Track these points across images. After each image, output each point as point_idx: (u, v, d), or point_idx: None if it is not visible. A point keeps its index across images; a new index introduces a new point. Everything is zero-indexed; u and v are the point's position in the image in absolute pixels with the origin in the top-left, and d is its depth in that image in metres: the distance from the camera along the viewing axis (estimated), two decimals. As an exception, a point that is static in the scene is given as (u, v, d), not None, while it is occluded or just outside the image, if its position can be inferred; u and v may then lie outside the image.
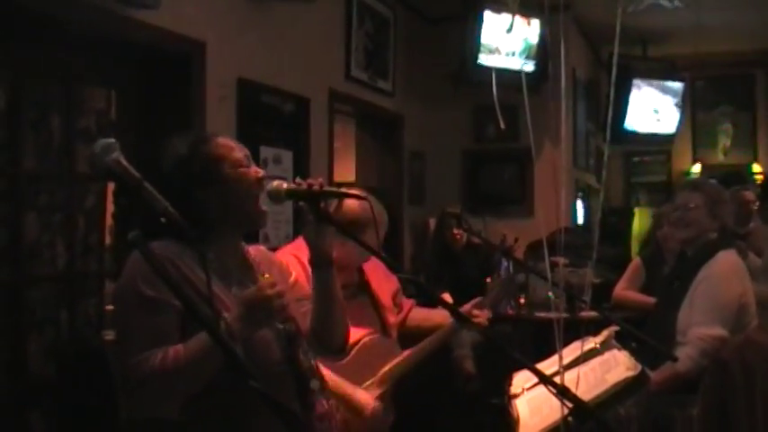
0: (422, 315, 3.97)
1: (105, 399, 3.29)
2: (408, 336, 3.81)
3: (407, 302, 4.00)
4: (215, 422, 2.05)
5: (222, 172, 2.20)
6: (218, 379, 1.91)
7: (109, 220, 4.15)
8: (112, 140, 1.67)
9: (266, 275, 2.28)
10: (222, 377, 1.84)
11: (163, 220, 1.63)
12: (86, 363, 3.59)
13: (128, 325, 2.05)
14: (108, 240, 4.16)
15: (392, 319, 3.73)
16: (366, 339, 3.49)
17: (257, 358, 2.03)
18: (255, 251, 2.40)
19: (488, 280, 4.98)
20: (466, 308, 3.77)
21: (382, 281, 3.72)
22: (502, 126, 2.72)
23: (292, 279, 2.47)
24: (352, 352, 3.40)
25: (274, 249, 4.67)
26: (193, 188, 2.14)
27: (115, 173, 1.63)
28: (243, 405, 1.98)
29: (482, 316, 3.74)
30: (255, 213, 2.25)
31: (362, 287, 3.65)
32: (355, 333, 3.42)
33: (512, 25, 6.69)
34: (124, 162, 1.64)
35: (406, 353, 3.62)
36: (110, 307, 4.09)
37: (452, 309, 4.34)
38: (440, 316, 3.90)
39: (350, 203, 3.28)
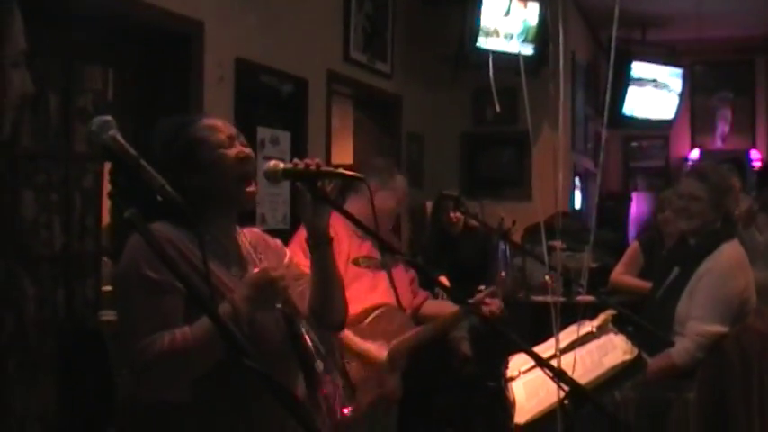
0: (435, 307, 4.04)
1: (102, 378, 3.31)
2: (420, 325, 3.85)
3: (422, 293, 4.04)
4: (221, 404, 2.04)
5: (202, 155, 2.18)
6: (224, 360, 1.91)
7: (106, 201, 4.15)
8: (109, 118, 1.65)
9: (260, 257, 2.27)
10: (228, 359, 1.83)
11: (159, 198, 1.62)
12: (84, 342, 3.60)
13: (132, 308, 2.03)
14: (105, 220, 4.15)
15: (406, 300, 3.77)
16: (384, 308, 3.57)
17: (259, 339, 2.02)
18: (250, 233, 2.39)
19: (503, 274, 4.96)
20: (479, 296, 3.82)
21: (400, 265, 3.79)
22: (497, 109, 2.72)
23: (287, 260, 2.46)
24: (370, 317, 3.49)
25: (272, 230, 4.70)
26: (178, 173, 2.10)
27: (112, 150, 1.61)
28: (249, 386, 1.97)
29: (494, 305, 3.78)
30: (238, 194, 2.22)
31: (384, 262, 3.70)
32: (371, 299, 3.50)
33: (509, 8, 6.67)
34: (121, 140, 1.62)
35: (418, 328, 3.67)
36: (107, 288, 4.12)
37: (449, 290, 4.40)
38: (452, 309, 3.95)
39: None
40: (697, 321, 3.49)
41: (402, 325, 3.67)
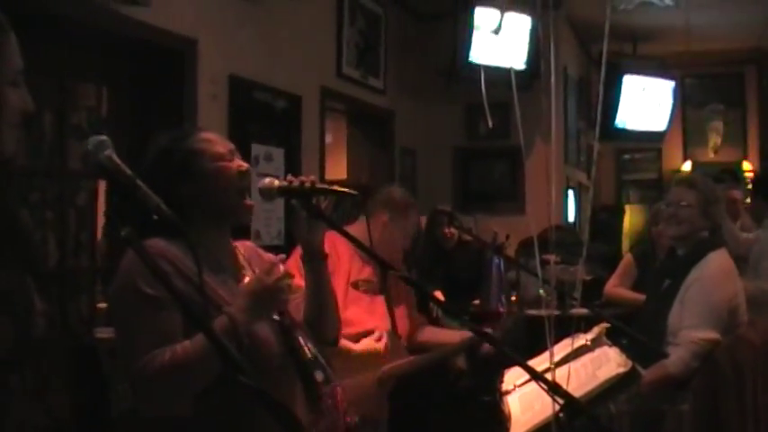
0: (431, 333, 4.05)
1: (97, 395, 3.30)
2: (415, 352, 3.85)
3: (419, 319, 4.05)
4: (221, 418, 2.04)
5: (201, 166, 2.18)
6: (223, 375, 1.91)
7: (101, 218, 4.15)
8: (105, 138, 1.66)
9: (255, 270, 2.28)
10: (227, 373, 1.84)
11: (155, 217, 1.63)
12: (78, 359, 3.60)
13: (131, 325, 2.03)
14: (99, 238, 4.15)
15: (403, 326, 3.77)
16: (379, 333, 3.55)
17: (257, 352, 2.03)
18: (244, 247, 2.40)
19: (501, 310, 4.97)
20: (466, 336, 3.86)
21: (402, 289, 3.79)
22: (490, 125, 2.74)
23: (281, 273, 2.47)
24: (364, 339, 3.46)
25: (266, 246, 4.71)
26: (173, 183, 2.12)
27: (108, 170, 1.62)
28: (248, 401, 1.97)
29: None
30: (237, 207, 2.23)
31: (383, 287, 3.69)
32: (367, 323, 3.50)
33: (500, 25, 6.70)
34: (116, 159, 1.64)
35: (413, 357, 3.67)
36: (102, 305, 4.12)
37: (443, 305, 4.41)
38: (448, 336, 3.96)
39: (398, 190, 3.84)
40: (689, 330, 3.51)
41: (396, 351, 3.66)
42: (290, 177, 2.31)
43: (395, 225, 3.73)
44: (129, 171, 1.63)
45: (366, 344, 3.56)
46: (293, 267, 3.16)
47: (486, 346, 3.82)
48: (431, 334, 4.04)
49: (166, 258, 2.03)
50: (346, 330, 3.37)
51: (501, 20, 6.65)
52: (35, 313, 1.54)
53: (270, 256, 2.47)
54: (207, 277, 2.00)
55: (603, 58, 2.25)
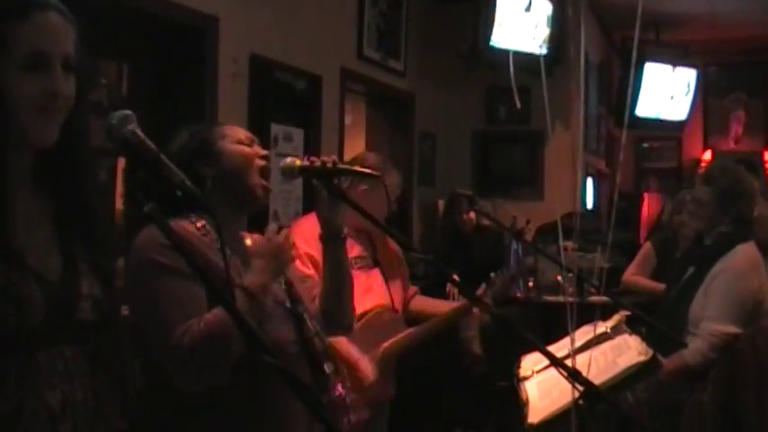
0: (424, 302, 3.99)
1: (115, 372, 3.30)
2: (409, 322, 3.83)
3: (411, 289, 4.02)
4: (240, 398, 2.02)
5: (222, 146, 2.20)
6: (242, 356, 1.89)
7: (119, 200, 4.15)
8: (129, 112, 1.65)
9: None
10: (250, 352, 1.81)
11: (179, 193, 1.62)
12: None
13: (158, 299, 1.99)
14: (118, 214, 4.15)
15: (398, 300, 3.74)
16: (376, 311, 3.53)
17: (270, 339, 2.01)
18: (252, 238, 2.38)
19: (492, 275, 4.97)
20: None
21: (394, 261, 3.75)
22: (518, 106, 2.72)
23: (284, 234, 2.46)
24: (362, 321, 3.44)
25: (285, 227, 4.69)
26: (192, 163, 2.13)
27: (132, 145, 1.61)
28: (268, 381, 1.96)
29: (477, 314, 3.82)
30: (256, 188, 2.22)
31: (376, 261, 3.66)
32: (366, 303, 3.48)
33: (530, 3, 6.65)
34: (141, 134, 1.62)
35: (409, 330, 3.64)
36: (120, 282, 4.12)
37: (462, 287, 4.39)
38: (442, 306, 3.93)
39: (371, 156, 3.72)
40: (710, 321, 3.49)
41: (394, 326, 3.64)
42: (312, 158, 2.30)
43: (373, 192, 3.61)
44: (153, 146, 1.62)
45: (358, 362, 3.45)
46: (304, 254, 3.18)
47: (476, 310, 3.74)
48: (425, 303, 3.98)
49: (186, 236, 2.02)
50: None
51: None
52: (80, 297, 1.53)
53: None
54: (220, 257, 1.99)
55: (635, 43, 2.22)
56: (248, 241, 2.18)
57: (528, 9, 6.70)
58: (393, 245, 3.74)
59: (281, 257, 2.12)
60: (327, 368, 2.24)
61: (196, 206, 2.01)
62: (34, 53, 1.49)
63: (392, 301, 3.64)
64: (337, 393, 2.25)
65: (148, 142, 1.62)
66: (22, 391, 1.44)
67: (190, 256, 1.62)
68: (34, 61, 1.49)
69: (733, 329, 3.46)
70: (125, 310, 3.50)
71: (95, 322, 1.56)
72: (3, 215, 1.47)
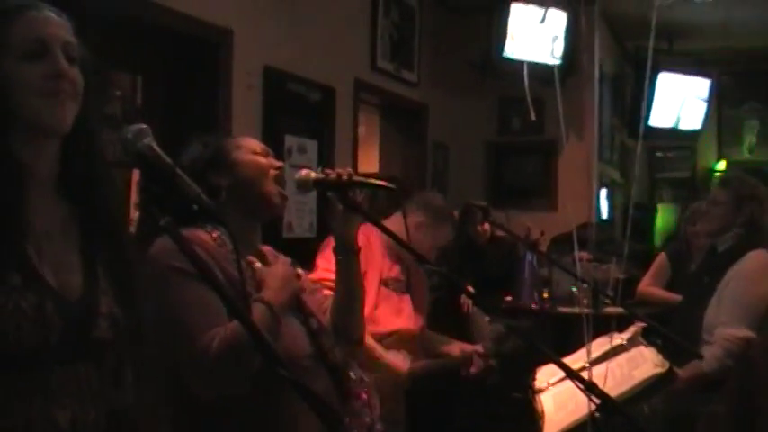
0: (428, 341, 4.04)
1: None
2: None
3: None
4: (254, 408, 2.01)
5: (236, 157, 2.22)
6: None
7: (133, 211, 4.16)
8: (144, 126, 1.65)
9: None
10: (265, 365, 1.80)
11: (195, 207, 1.62)
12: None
13: (180, 307, 1.98)
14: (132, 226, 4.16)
15: (421, 322, 3.81)
16: (402, 334, 3.60)
17: (288, 352, 2.01)
18: (265, 251, 2.38)
19: (534, 306, 4.96)
20: (467, 349, 3.97)
21: (421, 290, 3.84)
22: (533, 117, 2.71)
23: (302, 274, 2.47)
24: (389, 340, 3.47)
25: (298, 239, 4.71)
26: (206, 173, 2.14)
27: (147, 159, 1.61)
28: (280, 394, 1.96)
29: (475, 365, 3.93)
30: (272, 197, 2.24)
31: (408, 287, 3.74)
32: (395, 323, 3.51)
33: (545, 16, 6.65)
34: (157, 148, 1.62)
35: (426, 361, 3.69)
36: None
37: (478, 299, 4.40)
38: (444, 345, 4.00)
39: (437, 196, 3.88)
40: (724, 327, 3.49)
41: (414, 352, 3.70)
42: (327, 170, 2.30)
43: (427, 230, 3.71)
44: (169, 160, 1.62)
45: (391, 359, 3.56)
46: (323, 265, 3.21)
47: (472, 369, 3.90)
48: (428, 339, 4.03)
49: (201, 248, 2.01)
50: (373, 329, 3.38)
51: (546, 10, 6.60)
52: (98, 314, 1.51)
53: (287, 259, 2.46)
54: (234, 269, 1.99)
55: (649, 54, 2.22)
56: (258, 264, 2.17)
57: (543, 21, 6.70)
58: (422, 279, 3.83)
59: (293, 283, 2.14)
60: (354, 374, 2.25)
61: (211, 218, 2.00)
62: (32, 41, 1.50)
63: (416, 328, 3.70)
64: (361, 399, 2.24)
65: (164, 156, 1.62)
66: (31, 408, 1.42)
67: (205, 269, 1.62)
68: (33, 50, 1.50)
69: (747, 333, 3.45)
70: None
71: (112, 340, 1.54)
72: (18, 227, 1.45)
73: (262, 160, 2.24)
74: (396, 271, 3.66)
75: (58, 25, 1.57)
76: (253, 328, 1.46)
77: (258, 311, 1.95)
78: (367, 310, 2.87)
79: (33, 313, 1.41)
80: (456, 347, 3.99)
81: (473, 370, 3.88)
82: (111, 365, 1.55)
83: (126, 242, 1.64)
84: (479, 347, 4.05)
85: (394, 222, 3.43)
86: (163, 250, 2.00)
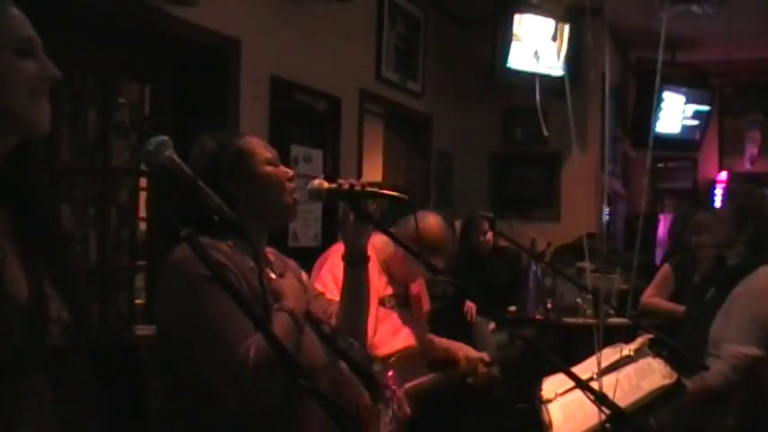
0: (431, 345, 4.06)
1: (136, 393, 3.31)
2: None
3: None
4: (275, 417, 2.01)
5: (254, 168, 2.20)
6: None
7: (141, 215, 4.18)
8: (165, 138, 1.67)
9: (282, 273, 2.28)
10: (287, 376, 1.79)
11: (216, 218, 1.63)
12: (117, 357, 3.61)
13: (214, 316, 1.92)
14: (141, 235, 4.18)
15: (423, 332, 3.84)
16: (403, 352, 3.59)
17: (307, 361, 2.02)
18: (269, 253, 2.39)
19: (538, 316, 4.97)
20: (472, 356, 4.03)
21: (419, 304, 3.85)
22: (545, 132, 2.73)
23: (305, 279, 2.48)
24: (391, 360, 3.47)
25: (304, 248, 4.73)
26: (224, 182, 2.11)
27: (169, 170, 1.63)
28: (301, 400, 1.97)
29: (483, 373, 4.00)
30: (288, 208, 2.25)
31: (406, 301, 3.75)
32: (394, 344, 3.52)
33: (556, 32, 6.68)
34: (178, 159, 1.64)
35: (430, 376, 3.70)
36: (139, 301, 4.14)
37: (484, 306, 4.44)
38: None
39: (436, 227, 3.74)
40: (731, 343, 3.49)
41: (418, 369, 3.71)
42: (339, 180, 2.31)
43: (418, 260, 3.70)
44: (190, 172, 1.63)
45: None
46: (328, 274, 3.22)
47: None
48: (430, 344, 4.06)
49: (223, 258, 2.01)
50: (372, 353, 3.39)
51: (557, 26, 6.64)
52: (49, 320, 1.44)
53: (292, 262, 2.47)
54: (252, 278, 2.00)
55: (659, 67, 2.24)
56: (273, 275, 2.18)
57: (554, 38, 6.74)
58: (420, 288, 3.85)
59: (304, 293, 2.17)
60: (376, 366, 2.28)
61: (229, 228, 1.98)
62: (23, 39, 1.48)
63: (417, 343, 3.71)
64: (388, 386, 2.27)
65: (185, 168, 1.63)
66: None
67: (228, 282, 1.62)
68: (24, 47, 1.48)
69: (755, 351, 3.46)
70: (144, 330, 3.55)
71: (65, 348, 1.46)
72: None
73: (279, 174, 2.24)
74: (391, 289, 3.68)
75: (30, 24, 1.54)
76: (276, 339, 1.46)
77: (283, 321, 1.95)
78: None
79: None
80: (461, 352, 3.99)
81: (477, 377, 3.89)
82: (66, 377, 1.48)
83: (67, 248, 1.60)
84: (485, 355, 4.05)
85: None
86: (187, 257, 1.92)
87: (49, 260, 1.50)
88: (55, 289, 1.48)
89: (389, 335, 3.59)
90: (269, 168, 2.22)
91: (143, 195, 4.21)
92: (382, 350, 3.48)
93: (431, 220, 3.78)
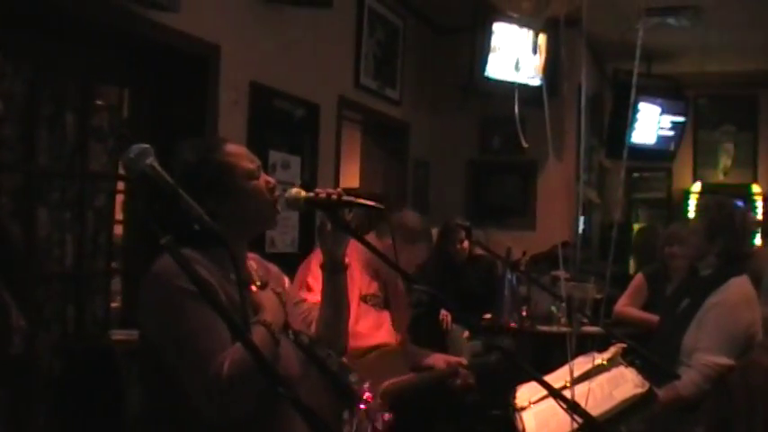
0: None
1: (111, 397, 3.31)
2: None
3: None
4: (253, 426, 2.03)
5: (234, 183, 2.17)
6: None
7: (118, 217, 4.17)
8: (147, 146, 1.68)
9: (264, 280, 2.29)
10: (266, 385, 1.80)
11: (196, 226, 1.64)
12: (93, 361, 3.61)
13: (194, 328, 1.93)
14: (117, 239, 4.18)
15: (403, 337, 3.86)
16: (384, 348, 3.62)
17: (285, 371, 2.04)
18: (251, 259, 2.40)
19: (513, 324, 4.98)
20: (452, 360, 4.01)
21: (401, 306, 3.89)
22: (524, 144, 2.76)
23: (287, 285, 2.50)
24: (371, 355, 3.50)
25: (281, 254, 4.74)
26: (204, 197, 2.03)
27: (150, 178, 1.64)
28: (280, 410, 1.99)
29: (462, 377, 3.95)
30: (270, 220, 2.28)
31: (387, 303, 3.78)
32: (376, 337, 3.55)
33: (535, 44, 6.73)
34: (159, 168, 1.65)
35: (409, 375, 3.71)
36: (115, 304, 4.14)
37: (460, 314, 4.45)
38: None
39: (412, 216, 3.85)
40: (704, 353, 3.53)
41: (398, 367, 3.70)
42: (317, 189, 2.33)
43: (400, 251, 3.71)
44: (170, 180, 1.64)
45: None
46: (306, 278, 3.25)
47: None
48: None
49: (202, 269, 2.01)
50: (355, 344, 3.40)
51: (536, 38, 6.68)
52: (12, 330, 1.43)
53: (274, 267, 2.48)
54: (231, 289, 2.02)
55: (634, 80, 2.27)
56: (253, 287, 2.19)
57: (534, 52, 6.78)
58: (401, 289, 3.88)
59: (282, 306, 2.18)
60: (353, 378, 2.29)
61: (209, 237, 1.99)
62: None
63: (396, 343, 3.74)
64: (366, 398, 2.28)
65: (166, 176, 1.64)
66: None
67: (207, 290, 1.64)
68: None
69: (726, 361, 3.50)
70: (122, 335, 3.54)
71: (24, 356, 1.44)
72: None
73: (259, 189, 2.21)
74: (374, 288, 3.71)
75: None
76: (256, 350, 1.48)
77: (261, 333, 1.96)
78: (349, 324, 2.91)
79: None
80: (440, 360, 4.02)
81: (459, 381, 3.91)
82: (26, 388, 1.45)
83: (20, 254, 1.60)
84: (463, 359, 4.08)
85: (370, 240, 3.51)
86: (167, 269, 1.96)
87: (5, 269, 1.48)
88: (13, 298, 1.45)
89: (372, 328, 3.63)
90: (250, 183, 2.20)
91: (119, 198, 4.20)
92: (364, 341, 3.50)
93: (408, 213, 3.94)
